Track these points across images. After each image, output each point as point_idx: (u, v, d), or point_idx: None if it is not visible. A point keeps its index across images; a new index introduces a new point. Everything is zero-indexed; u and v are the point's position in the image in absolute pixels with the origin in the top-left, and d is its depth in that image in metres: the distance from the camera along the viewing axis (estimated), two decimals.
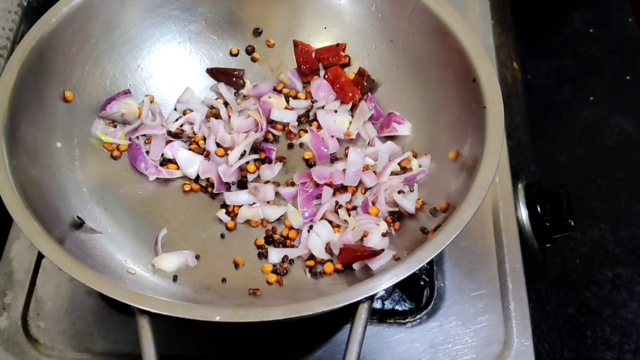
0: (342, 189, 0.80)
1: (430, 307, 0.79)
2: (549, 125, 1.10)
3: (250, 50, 0.90)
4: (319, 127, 0.85)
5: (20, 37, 0.90)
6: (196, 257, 0.75)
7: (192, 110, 0.86)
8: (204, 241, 0.77)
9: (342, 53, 0.87)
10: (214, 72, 0.89)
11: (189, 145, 0.84)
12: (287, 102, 0.87)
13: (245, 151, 0.82)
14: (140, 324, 0.59)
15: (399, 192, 0.76)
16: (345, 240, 0.73)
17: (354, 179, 0.79)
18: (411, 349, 0.76)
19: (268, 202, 0.79)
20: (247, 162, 0.82)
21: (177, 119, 0.86)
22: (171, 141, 0.84)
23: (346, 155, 0.81)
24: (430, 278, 0.80)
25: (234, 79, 0.88)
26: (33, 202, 0.65)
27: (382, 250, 0.69)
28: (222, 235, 0.78)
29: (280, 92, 0.88)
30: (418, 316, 0.78)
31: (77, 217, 0.72)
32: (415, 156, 0.80)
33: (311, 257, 0.74)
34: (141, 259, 0.73)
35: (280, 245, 0.76)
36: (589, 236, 0.99)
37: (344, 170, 0.79)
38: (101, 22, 0.80)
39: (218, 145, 0.84)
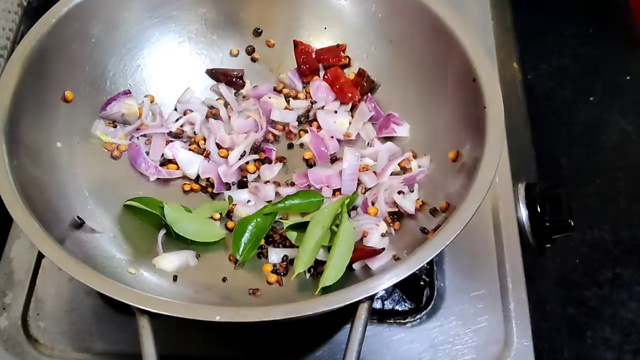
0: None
1: (430, 307, 0.79)
2: (549, 125, 1.10)
3: (250, 51, 0.90)
4: (319, 127, 0.85)
5: (20, 37, 0.90)
6: (196, 257, 0.75)
7: (192, 111, 0.86)
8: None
9: (342, 54, 0.87)
10: (213, 73, 0.89)
11: (189, 145, 0.84)
12: (287, 102, 0.87)
13: (245, 151, 0.82)
14: (140, 324, 0.59)
15: (399, 192, 0.76)
16: None
17: (351, 185, 0.79)
18: (411, 349, 0.76)
19: (268, 202, 0.79)
20: (247, 163, 0.82)
21: (177, 119, 0.86)
22: (171, 141, 0.84)
23: None
24: (430, 278, 0.80)
25: (234, 79, 0.88)
26: (33, 202, 0.65)
27: (382, 250, 0.69)
28: None
29: (280, 92, 0.88)
30: (418, 316, 0.78)
31: (77, 217, 0.72)
32: (415, 156, 0.80)
33: None
34: (141, 259, 0.73)
35: (280, 246, 0.76)
36: (589, 236, 0.99)
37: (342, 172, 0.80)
38: (101, 22, 0.80)
39: (219, 146, 0.84)
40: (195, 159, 0.82)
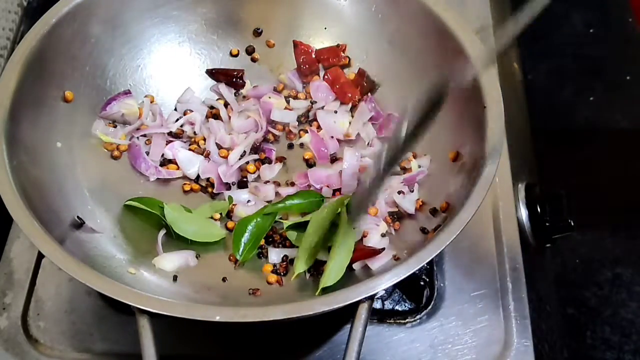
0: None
1: (430, 307, 0.79)
2: (549, 125, 1.10)
3: (250, 51, 0.90)
4: (319, 127, 0.85)
5: (20, 37, 0.90)
6: (196, 257, 0.75)
7: (192, 111, 0.86)
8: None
9: (342, 54, 0.87)
10: (213, 73, 0.89)
11: (189, 145, 0.84)
12: (287, 102, 0.87)
13: (245, 151, 0.82)
14: (140, 324, 0.59)
15: (399, 192, 0.76)
16: None
17: (351, 185, 0.79)
18: (411, 349, 0.76)
19: (268, 202, 0.79)
20: (247, 162, 0.82)
21: (177, 119, 0.86)
22: (171, 141, 0.84)
23: None
24: (430, 278, 0.80)
25: (234, 79, 0.88)
26: (33, 202, 0.65)
27: (382, 250, 0.69)
28: None
29: (280, 92, 0.88)
30: (418, 316, 0.78)
31: (77, 217, 0.72)
32: (415, 156, 0.80)
33: None
34: (141, 259, 0.73)
35: (280, 246, 0.76)
36: (589, 236, 0.99)
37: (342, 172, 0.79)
38: (101, 22, 0.80)
39: (219, 146, 0.84)
40: (195, 159, 0.82)
